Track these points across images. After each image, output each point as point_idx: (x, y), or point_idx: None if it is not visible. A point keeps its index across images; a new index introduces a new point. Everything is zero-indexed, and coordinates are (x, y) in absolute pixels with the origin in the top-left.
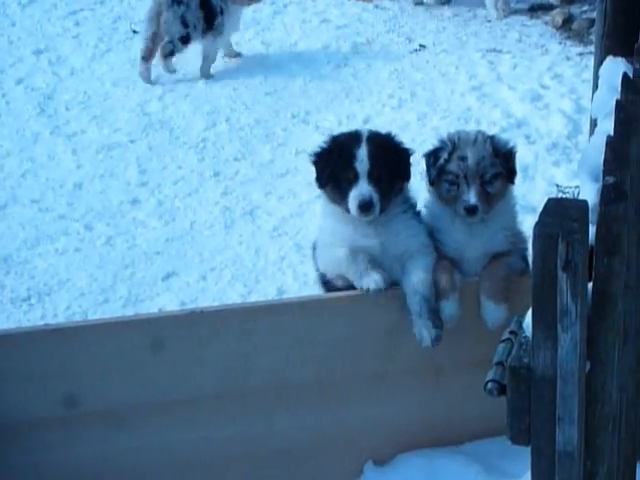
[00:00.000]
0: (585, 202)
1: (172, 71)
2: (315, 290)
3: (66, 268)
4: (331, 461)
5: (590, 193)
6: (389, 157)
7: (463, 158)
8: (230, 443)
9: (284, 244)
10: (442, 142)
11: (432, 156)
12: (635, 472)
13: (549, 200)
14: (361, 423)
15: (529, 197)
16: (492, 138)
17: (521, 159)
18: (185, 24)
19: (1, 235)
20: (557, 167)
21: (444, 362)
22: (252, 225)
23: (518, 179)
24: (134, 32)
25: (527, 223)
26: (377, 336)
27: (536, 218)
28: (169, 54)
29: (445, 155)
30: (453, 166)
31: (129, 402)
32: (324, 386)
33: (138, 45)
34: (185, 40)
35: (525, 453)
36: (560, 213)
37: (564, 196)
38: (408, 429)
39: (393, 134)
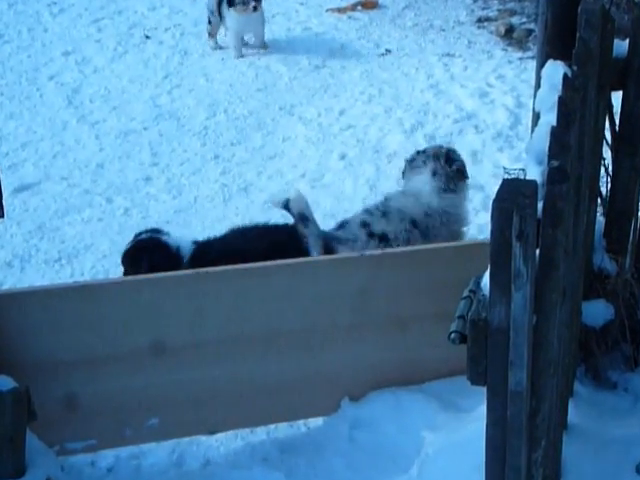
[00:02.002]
0: (535, 182)
1: (215, 47)
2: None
3: (91, 234)
4: (313, 397)
5: (536, 174)
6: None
7: None
8: (229, 380)
9: (272, 215)
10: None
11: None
12: (567, 408)
13: (504, 180)
14: (339, 365)
15: (478, 178)
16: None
17: (471, 146)
18: (211, 11)
19: (36, 207)
20: (501, 152)
21: (409, 314)
22: (246, 199)
23: (469, 162)
24: (147, 37)
25: (476, 200)
26: (352, 293)
27: (485, 195)
28: (208, 33)
29: None
30: None
31: (146, 346)
32: (308, 334)
33: (150, 48)
34: (209, 22)
35: (476, 391)
36: (514, 191)
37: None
38: (379, 370)
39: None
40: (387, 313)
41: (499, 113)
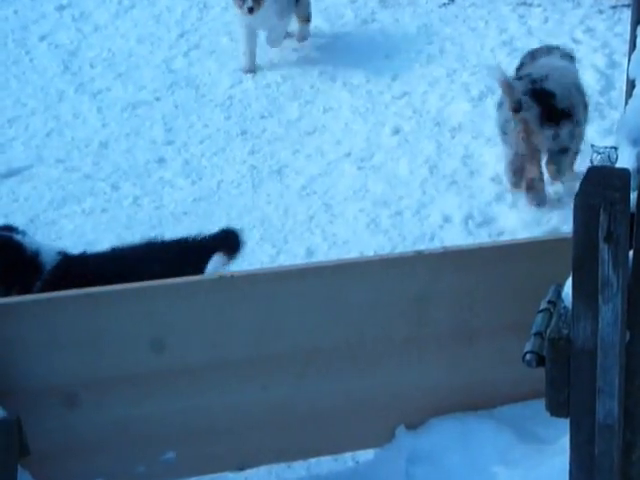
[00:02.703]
0: (627, 171)
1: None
2: (344, 250)
3: (93, 229)
4: (362, 426)
5: (629, 157)
6: None
7: None
8: (261, 407)
9: (312, 203)
10: None
11: None
12: None
13: (590, 169)
14: (392, 387)
15: None
16: None
17: None
18: None
19: (27, 196)
20: (590, 124)
21: (476, 326)
22: (280, 184)
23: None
24: None
25: (559, 183)
26: (409, 301)
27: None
28: None
29: None
30: None
31: (159, 367)
32: (354, 350)
33: (162, 0)
34: None
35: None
36: (602, 182)
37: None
38: (440, 393)
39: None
40: (450, 324)
41: (588, 75)
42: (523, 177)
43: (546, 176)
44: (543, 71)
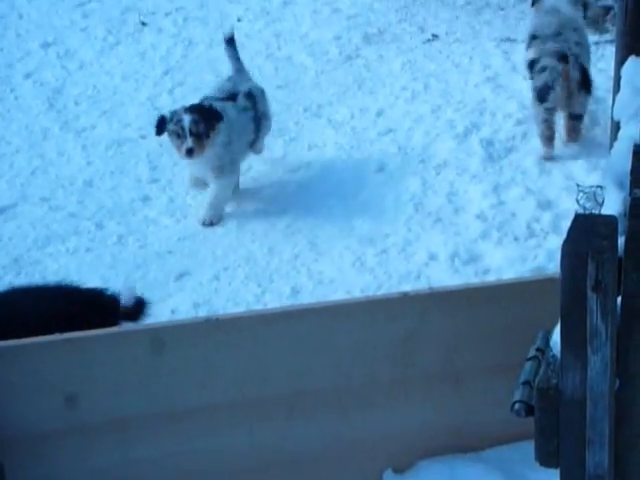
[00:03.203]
0: (614, 218)
1: None
2: (330, 288)
3: (77, 269)
4: (349, 469)
5: (616, 201)
6: None
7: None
8: (248, 451)
9: (298, 242)
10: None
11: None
12: None
13: (577, 216)
14: (379, 430)
15: (546, 192)
16: None
17: (537, 152)
18: None
19: (12, 235)
20: (574, 160)
21: (463, 367)
22: (265, 222)
23: (535, 172)
24: (143, 24)
25: (544, 219)
26: (395, 342)
27: (554, 214)
28: None
29: None
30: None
31: (141, 412)
32: (341, 393)
33: (147, 38)
34: None
35: None
36: (589, 230)
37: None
38: (427, 435)
39: None
40: (437, 365)
41: None
42: (553, 137)
43: None
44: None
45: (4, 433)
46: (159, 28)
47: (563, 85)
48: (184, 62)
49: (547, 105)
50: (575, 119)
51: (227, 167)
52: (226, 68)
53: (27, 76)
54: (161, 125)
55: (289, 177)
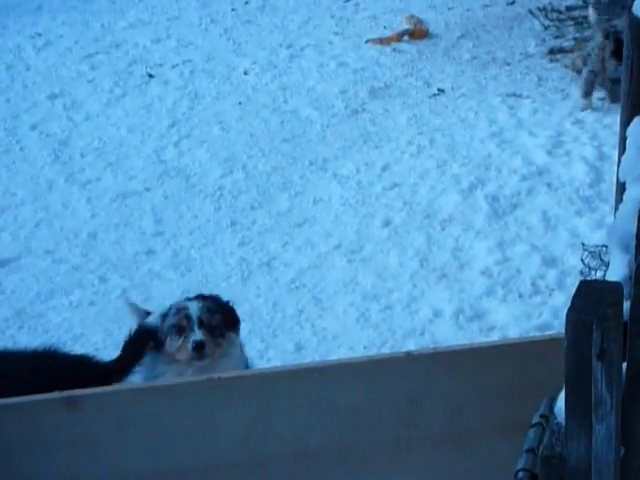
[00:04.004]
0: (620, 285)
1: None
2: (334, 344)
3: (80, 322)
4: None
5: (621, 265)
6: None
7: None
8: None
9: (302, 297)
10: None
11: None
12: None
13: (582, 283)
14: None
15: (551, 248)
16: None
17: (543, 208)
18: None
19: (15, 288)
20: (580, 217)
21: (467, 427)
22: (269, 277)
23: (540, 229)
24: (150, 76)
25: (549, 276)
26: (399, 401)
27: (559, 271)
28: None
29: None
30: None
31: (142, 470)
32: (344, 453)
33: (154, 90)
34: None
35: None
36: (594, 298)
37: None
38: None
39: None
40: (441, 425)
41: (577, 168)
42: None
43: None
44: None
45: None
46: (166, 80)
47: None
48: (190, 114)
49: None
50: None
51: None
52: (233, 122)
53: (33, 127)
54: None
55: (294, 231)
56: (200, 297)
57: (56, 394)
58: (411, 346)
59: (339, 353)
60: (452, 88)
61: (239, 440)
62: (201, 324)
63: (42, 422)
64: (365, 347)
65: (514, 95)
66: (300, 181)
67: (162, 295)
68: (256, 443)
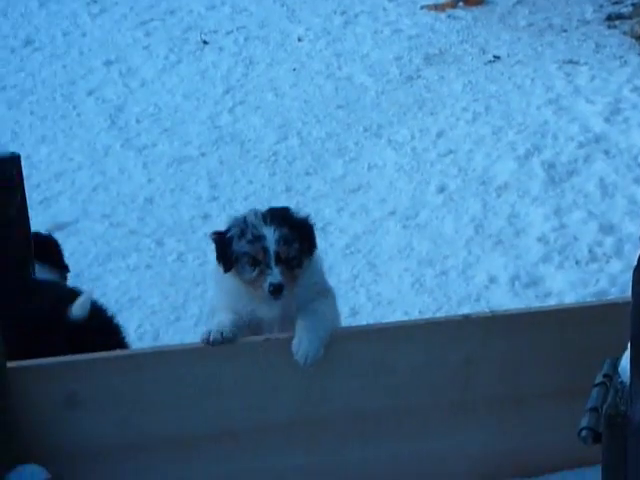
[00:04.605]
0: None
1: None
2: (389, 309)
3: (137, 285)
4: None
5: None
6: None
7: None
8: (304, 472)
9: (357, 262)
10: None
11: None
12: None
13: None
14: (438, 453)
15: (608, 216)
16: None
17: (600, 176)
18: None
19: (73, 251)
20: (638, 184)
21: (523, 391)
22: (324, 242)
23: (597, 196)
24: (204, 43)
25: (607, 243)
26: (455, 364)
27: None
28: None
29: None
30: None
31: (200, 430)
32: (400, 415)
33: (208, 56)
34: None
35: None
36: None
37: None
38: (489, 460)
39: None
40: (498, 389)
41: (635, 135)
42: None
43: None
44: None
45: (65, 447)
46: (220, 47)
47: None
48: (245, 81)
49: None
50: None
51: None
52: (287, 88)
53: (90, 93)
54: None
55: (348, 197)
56: (276, 216)
57: (120, 352)
58: (466, 312)
59: (394, 318)
60: (508, 55)
61: (295, 400)
62: (278, 259)
63: (104, 380)
64: (420, 312)
65: (571, 62)
66: (355, 147)
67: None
68: (313, 404)
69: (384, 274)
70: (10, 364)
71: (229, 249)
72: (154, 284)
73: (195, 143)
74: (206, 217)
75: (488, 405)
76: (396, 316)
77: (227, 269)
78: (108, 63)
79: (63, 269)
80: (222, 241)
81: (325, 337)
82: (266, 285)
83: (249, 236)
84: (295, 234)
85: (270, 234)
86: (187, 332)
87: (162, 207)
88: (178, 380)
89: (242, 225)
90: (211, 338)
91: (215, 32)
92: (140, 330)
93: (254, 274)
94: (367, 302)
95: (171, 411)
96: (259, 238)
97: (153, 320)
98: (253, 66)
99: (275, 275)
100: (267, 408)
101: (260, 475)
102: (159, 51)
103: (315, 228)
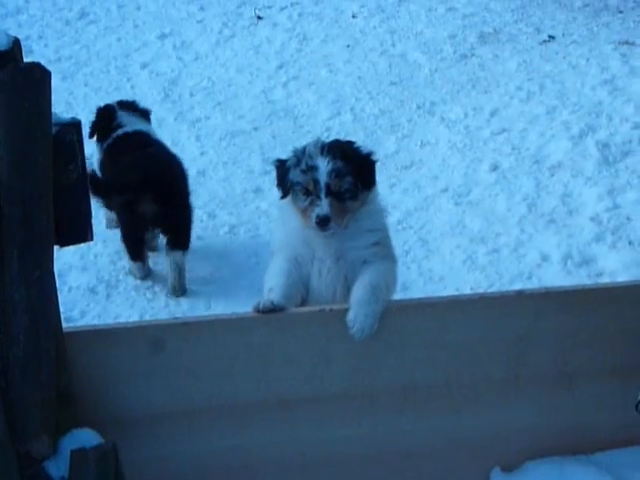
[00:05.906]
0: None
1: None
2: (440, 286)
3: (190, 257)
4: (457, 465)
5: None
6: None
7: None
8: (355, 443)
9: (409, 238)
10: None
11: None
12: None
13: None
14: (489, 428)
15: None
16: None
17: None
18: None
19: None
20: None
21: (579, 368)
22: None
23: None
24: (258, 18)
25: None
26: (509, 340)
27: None
28: None
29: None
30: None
31: (252, 399)
32: (452, 389)
33: (262, 31)
34: None
35: None
36: None
37: None
38: (538, 435)
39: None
40: (551, 366)
41: None
42: None
43: None
44: None
45: (119, 414)
46: (274, 22)
47: None
48: (298, 56)
49: None
50: None
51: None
52: (340, 64)
53: (144, 66)
54: (282, 175)
55: (401, 173)
56: (333, 148)
57: (168, 320)
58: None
59: (445, 294)
60: (563, 35)
61: (349, 372)
62: (329, 191)
63: (161, 346)
64: (471, 289)
65: (627, 43)
66: (407, 124)
67: (269, 232)
68: (366, 375)
69: (436, 250)
70: (66, 329)
71: (286, 177)
72: (206, 256)
73: (248, 117)
74: (258, 191)
75: (540, 382)
76: (447, 292)
77: (283, 196)
78: (162, 36)
79: (145, 113)
80: (281, 168)
81: (380, 310)
82: (314, 215)
83: (303, 166)
84: (350, 167)
85: (323, 165)
86: (239, 303)
87: (214, 180)
88: (231, 349)
89: (300, 154)
90: (261, 306)
91: (269, 7)
92: (192, 301)
93: (305, 203)
94: (418, 278)
95: (224, 380)
96: (311, 169)
97: (205, 290)
98: (307, 42)
99: (323, 206)
100: (320, 379)
101: (312, 445)
102: (213, 25)
103: (377, 164)
